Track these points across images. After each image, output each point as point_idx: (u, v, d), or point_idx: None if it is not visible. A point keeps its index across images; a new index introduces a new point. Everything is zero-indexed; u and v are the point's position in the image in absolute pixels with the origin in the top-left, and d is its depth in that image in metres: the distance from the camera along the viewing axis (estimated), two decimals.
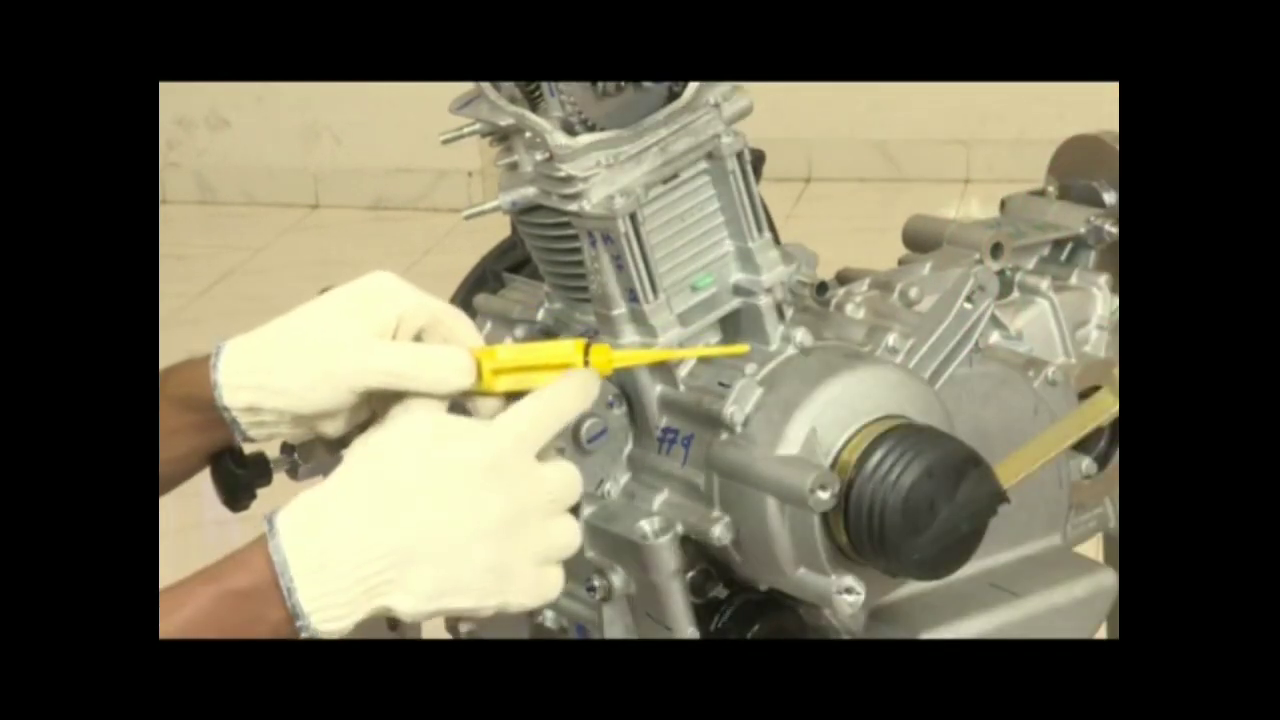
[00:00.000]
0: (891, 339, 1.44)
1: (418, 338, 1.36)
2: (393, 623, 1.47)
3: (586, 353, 1.33)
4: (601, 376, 1.35)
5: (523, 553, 1.27)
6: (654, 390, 1.43)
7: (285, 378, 1.34)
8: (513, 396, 1.31)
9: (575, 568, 1.46)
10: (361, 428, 1.35)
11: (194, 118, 5.70)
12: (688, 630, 1.40)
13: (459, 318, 1.37)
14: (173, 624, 1.21)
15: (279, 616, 1.23)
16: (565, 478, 1.29)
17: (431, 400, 1.30)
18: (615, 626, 1.44)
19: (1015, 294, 1.61)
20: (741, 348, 1.41)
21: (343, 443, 1.33)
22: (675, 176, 1.41)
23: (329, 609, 1.23)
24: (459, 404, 1.33)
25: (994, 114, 5.46)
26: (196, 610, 1.22)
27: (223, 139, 5.72)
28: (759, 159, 1.44)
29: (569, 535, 1.29)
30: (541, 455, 1.29)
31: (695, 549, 1.41)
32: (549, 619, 1.50)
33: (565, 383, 1.31)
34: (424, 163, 5.45)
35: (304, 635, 1.23)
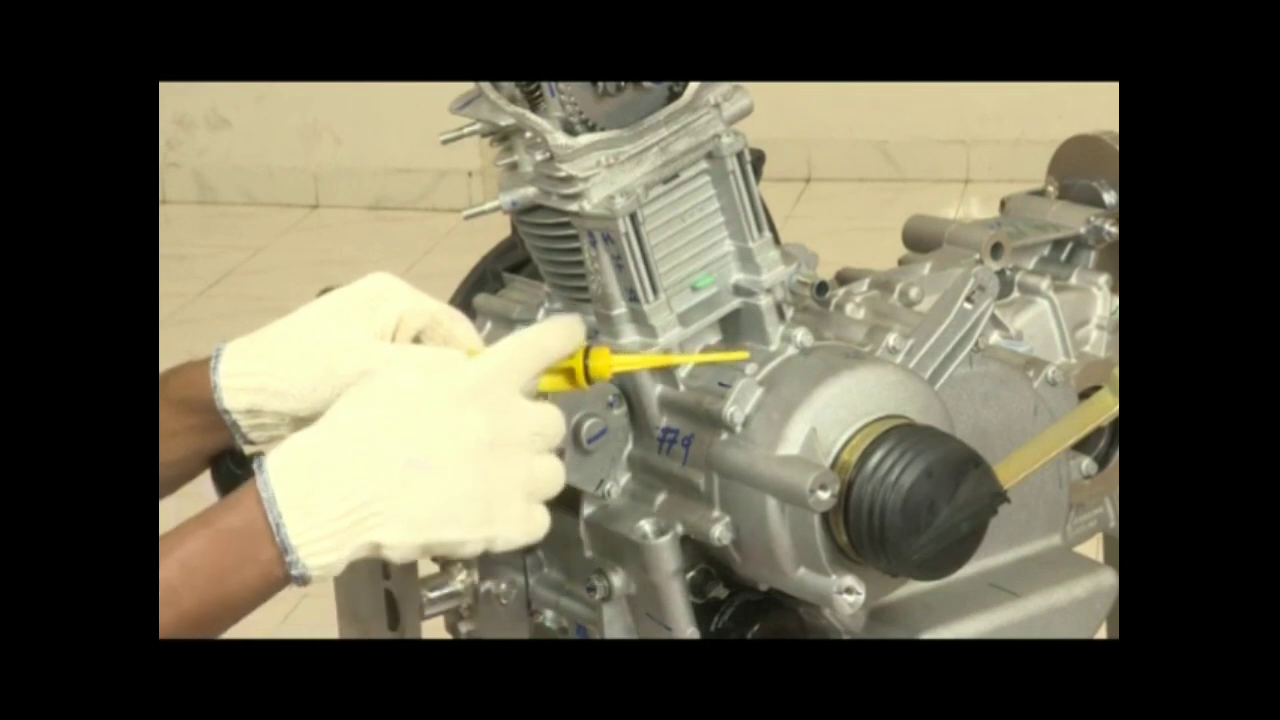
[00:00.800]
0: (891, 339, 1.44)
1: (417, 339, 1.36)
2: (393, 622, 1.47)
3: (586, 357, 1.33)
4: (604, 380, 1.35)
5: (507, 482, 1.27)
6: (654, 390, 1.43)
7: (285, 380, 1.35)
8: None
9: (575, 568, 1.46)
10: None
11: (194, 118, 5.70)
12: (688, 630, 1.40)
13: (458, 319, 1.37)
14: (168, 565, 1.22)
15: (269, 555, 1.23)
16: (548, 415, 1.30)
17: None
18: (615, 626, 1.44)
19: (1015, 294, 1.61)
20: (741, 354, 1.41)
21: None
22: (675, 176, 1.41)
23: (317, 542, 1.23)
24: None
25: (994, 114, 5.46)
26: (189, 552, 1.23)
27: (223, 139, 5.72)
28: (759, 159, 1.44)
29: (554, 472, 1.30)
30: (528, 396, 1.30)
31: (695, 549, 1.41)
32: (549, 619, 1.50)
33: (551, 322, 1.33)
34: (424, 163, 5.45)
35: (294, 573, 1.24)
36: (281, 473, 1.24)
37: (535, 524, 1.29)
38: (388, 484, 1.24)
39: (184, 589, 1.23)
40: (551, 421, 1.30)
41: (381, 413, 1.26)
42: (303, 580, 1.25)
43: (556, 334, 1.32)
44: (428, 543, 1.26)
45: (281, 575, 1.24)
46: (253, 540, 1.24)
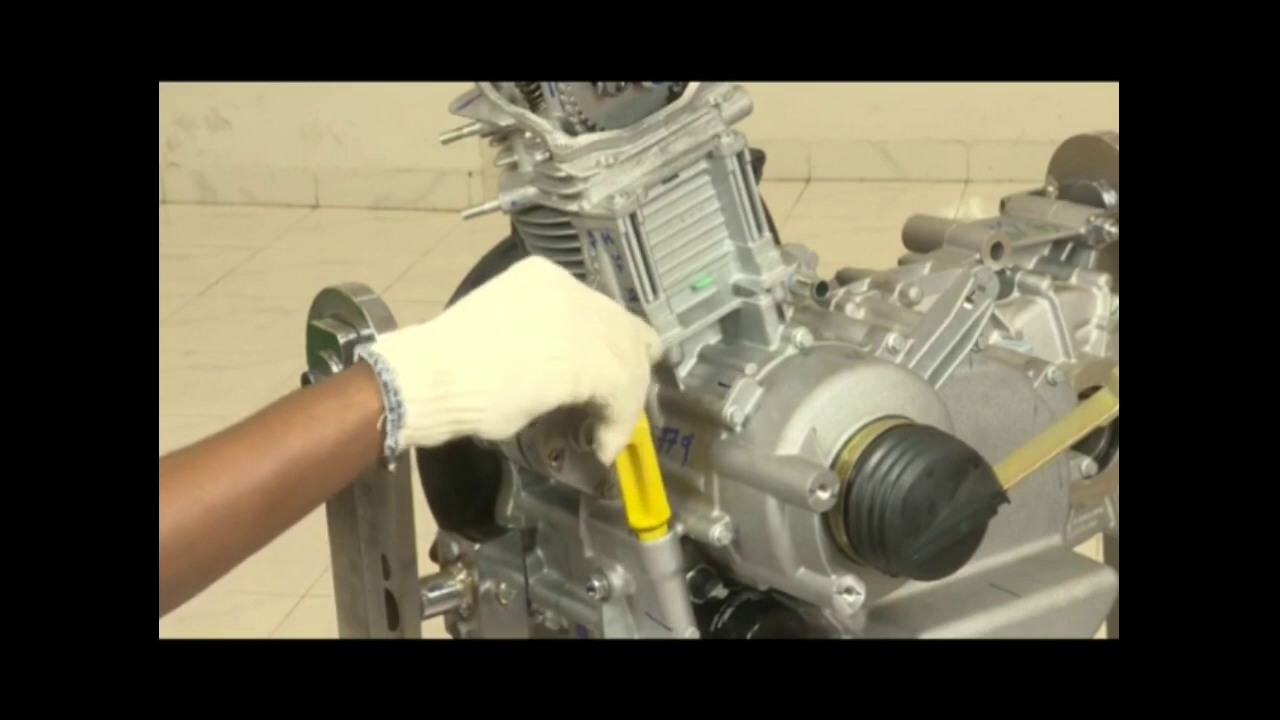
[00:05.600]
0: (891, 339, 1.44)
1: None
2: (393, 622, 1.47)
3: None
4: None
5: (588, 336, 1.31)
6: (653, 390, 1.43)
7: None
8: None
9: (575, 568, 1.46)
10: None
11: (194, 118, 5.70)
12: (688, 630, 1.40)
13: None
14: (268, 421, 1.26)
15: (369, 397, 1.26)
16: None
17: None
18: (615, 626, 1.44)
19: (1015, 294, 1.61)
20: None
21: None
22: (675, 176, 1.41)
23: (415, 404, 1.27)
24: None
25: (994, 114, 5.45)
26: (289, 404, 1.27)
27: (223, 139, 5.72)
28: (759, 159, 1.44)
29: (630, 325, 1.34)
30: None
31: (695, 549, 1.41)
32: (549, 619, 1.50)
33: None
34: (424, 163, 5.45)
35: (391, 416, 1.26)
36: (388, 343, 1.29)
37: (617, 367, 1.33)
38: (477, 364, 1.28)
39: (283, 429, 1.25)
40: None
41: (475, 308, 1.32)
42: (398, 427, 1.27)
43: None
44: (520, 409, 1.30)
45: (378, 420, 1.27)
46: (353, 383, 1.27)
